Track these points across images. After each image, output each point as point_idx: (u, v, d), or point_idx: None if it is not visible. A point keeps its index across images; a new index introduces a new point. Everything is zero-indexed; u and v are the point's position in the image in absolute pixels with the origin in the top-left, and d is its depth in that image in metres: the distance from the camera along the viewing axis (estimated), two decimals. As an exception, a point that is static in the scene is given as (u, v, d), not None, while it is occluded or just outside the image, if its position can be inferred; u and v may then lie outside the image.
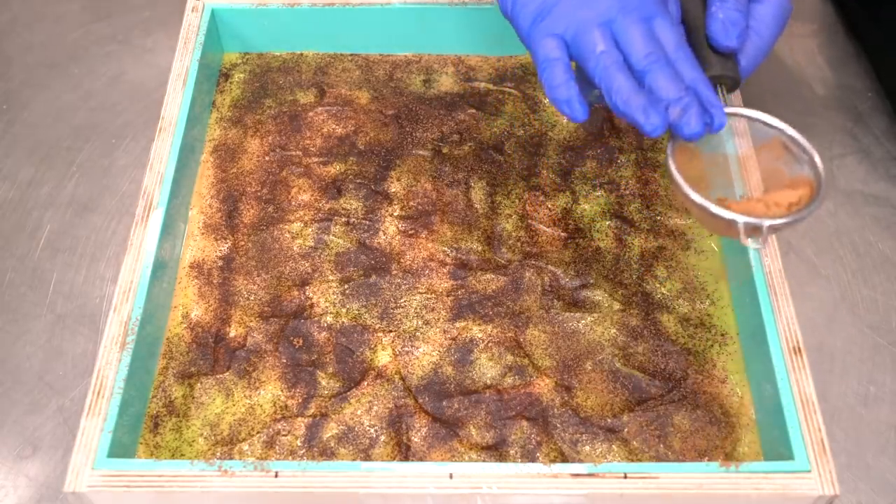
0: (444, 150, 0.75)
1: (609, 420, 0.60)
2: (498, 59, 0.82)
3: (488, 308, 0.65)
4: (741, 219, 0.53)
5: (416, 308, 0.66)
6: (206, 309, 0.66)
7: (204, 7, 0.79)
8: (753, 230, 0.53)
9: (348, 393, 0.62)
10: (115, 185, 0.79)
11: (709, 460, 0.58)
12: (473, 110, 0.78)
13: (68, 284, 0.73)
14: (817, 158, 0.56)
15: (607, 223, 0.70)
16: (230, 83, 0.80)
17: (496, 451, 0.59)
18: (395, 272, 0.67)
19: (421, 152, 0.75)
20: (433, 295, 0.66)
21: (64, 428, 0.65)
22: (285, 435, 0.60)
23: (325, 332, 0.64)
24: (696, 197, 0.54)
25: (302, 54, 0.82)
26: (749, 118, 0.58)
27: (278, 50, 0.82)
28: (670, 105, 0.53)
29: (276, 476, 0.53)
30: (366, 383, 0.62)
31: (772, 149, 0.59)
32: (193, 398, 0.61)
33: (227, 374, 0.62)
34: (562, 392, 0.61)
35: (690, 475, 0.53)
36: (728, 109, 0.56)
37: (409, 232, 0.70)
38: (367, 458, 0.59)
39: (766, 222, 0.52)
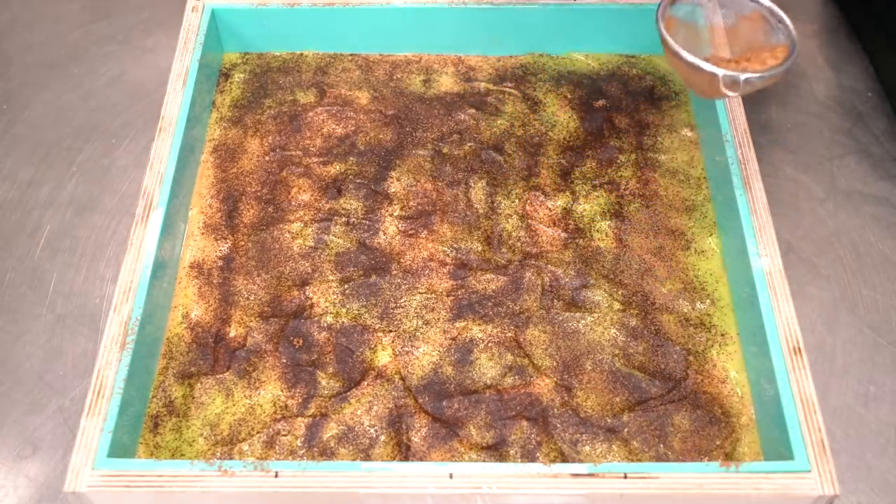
0: (444, 150, 0.75)
1: (609, 420, 0.60)
2: (498, 59, 0.82)
3: (488, 308, 0.65)
4: (720, 71, 0.61)
5: (416, 308, 0.66)
6: (206, 309, 0.66)
7: (204, 7, 0.79)
8: (732, 84, 0.61)
9: (348, 393, 0.62)
10: (115, 185, 0.79)
11: (709, 460, 0.58)
12: (473, 110, 0.78)
13: (68, 284, 0.73)
14: (791, 28, 0.64)
15: (607, 223, 0.70)
16: (230, 83, 0.80)
17: (496, 451, 0.59)
18: (395, 272, 0.67)
19: (421, 152, 0.75)
20: (433, 295, 0.66)
21: (64, 428, 0.65)
22: (285, 435, 0.60)
23: (325, 332, 0.64)
24: (684, 54, 0.62)
25: (302, 54, 0.82)
26: None
27: (278, 50, 0.82)
28: None
29: (276, 476, 0.53)
30: (366, 383, 0.62)
31: (751, 20, 0.66)
32: (193, 398, 0.61)
33: (227, 374, 0.62)
34: (562, 392, 0.61)
35: (690, 475, 0.53)
36: None
37: (409, 232, 0.70)
38: (367, 458, 0.59)
39: (743, 76, 0.61)
